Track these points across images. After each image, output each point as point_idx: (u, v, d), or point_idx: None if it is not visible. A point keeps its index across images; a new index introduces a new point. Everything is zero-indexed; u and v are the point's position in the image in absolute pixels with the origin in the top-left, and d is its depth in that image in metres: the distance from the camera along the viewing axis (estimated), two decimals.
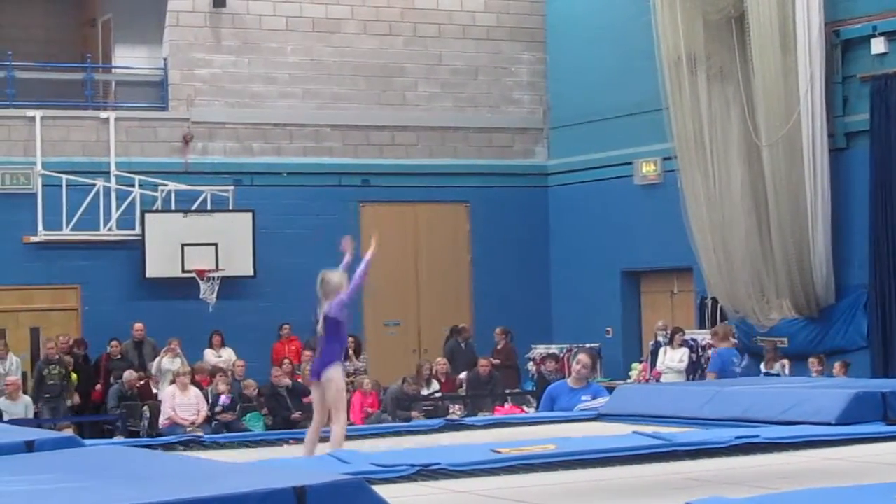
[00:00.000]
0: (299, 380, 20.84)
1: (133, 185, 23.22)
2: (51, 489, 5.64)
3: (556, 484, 7.17)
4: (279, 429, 17.37)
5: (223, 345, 22.69)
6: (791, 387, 11.26)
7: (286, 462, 7.81)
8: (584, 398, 11.57)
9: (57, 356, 21.07)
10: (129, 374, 20.92)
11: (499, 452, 7.76)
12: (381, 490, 5.70)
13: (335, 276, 10.16)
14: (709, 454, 8.02)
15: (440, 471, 7.31)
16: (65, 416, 20.57)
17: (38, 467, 6.47)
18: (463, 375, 22.27)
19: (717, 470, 7.52)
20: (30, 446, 7.40)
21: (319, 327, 10.15)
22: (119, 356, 21.83)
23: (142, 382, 21.12)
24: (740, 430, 8.68)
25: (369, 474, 6.87)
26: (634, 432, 8.77)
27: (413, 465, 7.29)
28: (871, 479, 6.81)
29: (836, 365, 19.52)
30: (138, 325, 22.17)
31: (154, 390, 21.02)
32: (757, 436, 8.43)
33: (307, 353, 22.32)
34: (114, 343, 21.94)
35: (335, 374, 10.00)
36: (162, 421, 19.33)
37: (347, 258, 10.62)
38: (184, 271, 23.12)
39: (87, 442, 8.62)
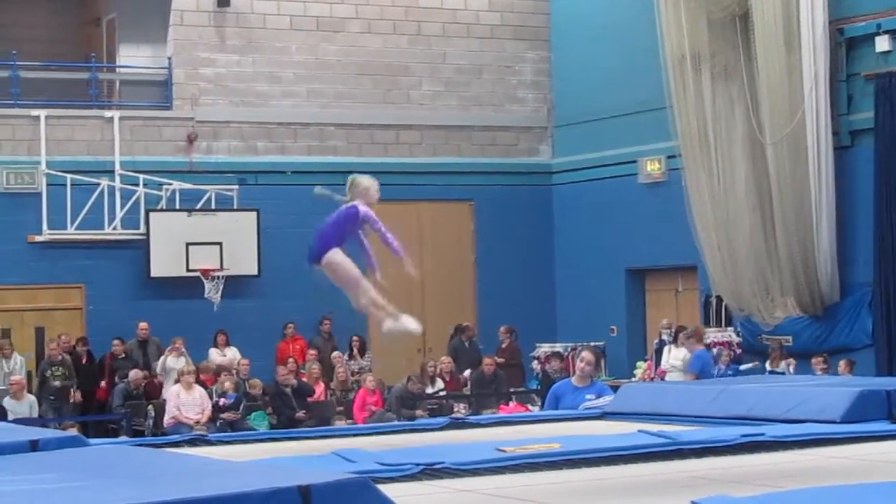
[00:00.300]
0: (304, 379, 20.86)
1: (137, 185, 23.23)
2: (55, 488, 5.64)
3: (560, 483, 7.15)
4: (283, 428, 17.38)
5: (228, 344, 22.70)
6: (796, 385, 11.25)
7: (291, 461, 7.80)
8: (588, 397, 11.56)
9: (60, 356, 21.07)
10: (135, 374, 20.93)
11: (503, 451, 7.75)
12: (385, 489, 5.70)
13: (365, 179, 9.90)
14: (714, 452, 8.01)
15: (445, 469, 7.30)
16: (68, 416, 20.57)
17: (42, 466, 6.46)
18: (467, 374, 22.28)
19: (722, 468, 7.50)
20: (34, 445, 7.39)
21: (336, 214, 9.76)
22: (123, 355, 21.83)
23: (146, 381, 21.13)
24: (745, 429, 8.66)
25: (374, 473, 6.86)
26: (639, 431, 8.76)
27: (418, 464, 7.28)
28: (876, 478, 6.80)
29: (841, 363, 19.52)
30: (143, 325, 22.19)
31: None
32: (762, 434, 8.41)
33: (311, 352, 22.36)
34: (116, 342, 21.92)
35: (334, 257, 9.69)
36: (166, 420, 19.34)
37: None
38: (188, 270, 23.13)
39: (92, 441, 8.61)
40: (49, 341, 21.57)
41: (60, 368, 20.90)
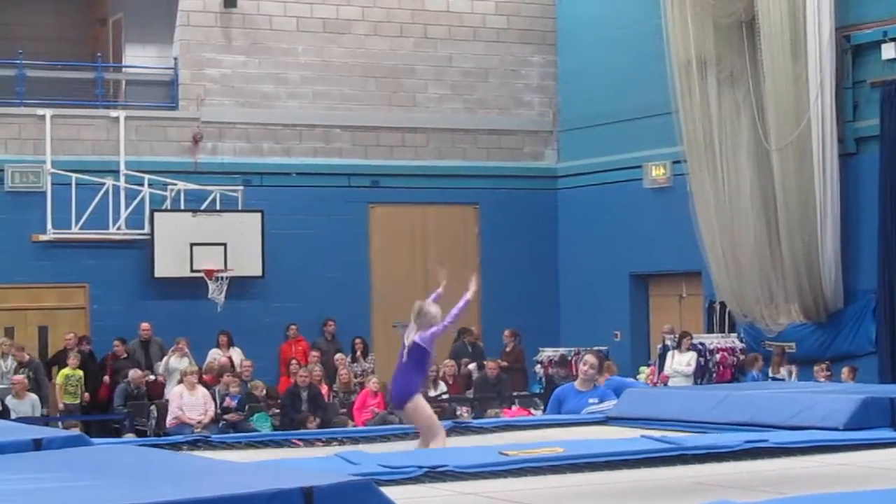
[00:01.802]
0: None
1: (142, 185, 23.24)
2: (58, 487, 5.64)
3: (563, 487, 7.16)
4: (287, 429, 17.37)
5: (231, 345, 22.69)
6: (799, 392, 11.25)
7: (294, 462, 7.80)
8: (591, 401, 11.54)
9: (27, 358, 20.90)
10: (134, 373, 20.89)
11: (506, 455, 7.75)
12: (388, 491, 5.70)
13: (433, 307, 9.99)
14: (717, 458, 8.01)
15: (447, 472, 7.31)
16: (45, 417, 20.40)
17: (45, 465, 6.46)
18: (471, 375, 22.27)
19: (725, 474, 7.51)
20: (37, 444, 7.40)
21: (405, 353, 9.96)
22: (125, 356, 21.80)
23: (146, 380, 21.10)
24: (749, 435, 8.67)
25: (377, 475, 6.87)
26: (642, 436, 8.77)
27: (420, 467, 7.29)
28: (878, 485, 6.80)
29: (845, 370, 19.51)
30: (145, 325, 22.18)
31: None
32: (765, 440, 8.42)
33: (314, 353, 22.34)
34: (117, 343, 21.87)
35: (419, 403, 9.88)
36: (169, 420, 19.33)
37: (440, 290, 10.47)
38: (192, 271, 23.13)
39: (95, 441, 8.61)
40: (10, 346, 21.17)
41: (27, 371, 20.69)
